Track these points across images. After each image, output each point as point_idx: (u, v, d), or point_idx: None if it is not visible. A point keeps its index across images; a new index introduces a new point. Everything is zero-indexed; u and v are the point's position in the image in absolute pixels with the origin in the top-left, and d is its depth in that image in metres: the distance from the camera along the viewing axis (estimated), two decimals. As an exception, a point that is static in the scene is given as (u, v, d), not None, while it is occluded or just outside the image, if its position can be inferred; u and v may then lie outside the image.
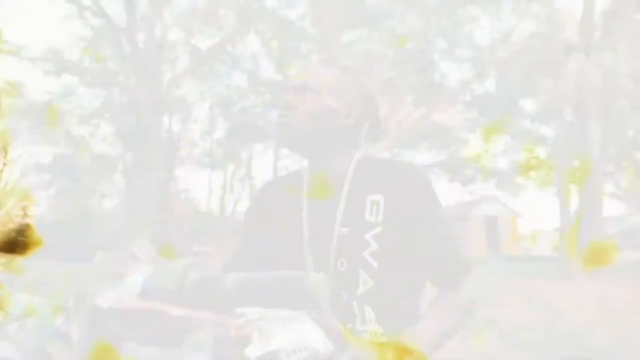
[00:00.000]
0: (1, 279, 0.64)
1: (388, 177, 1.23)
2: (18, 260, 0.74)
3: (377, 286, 1.13)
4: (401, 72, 22.48)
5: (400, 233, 1.16)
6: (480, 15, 21.47)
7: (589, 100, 13.50)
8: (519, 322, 7.30)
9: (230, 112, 32.77)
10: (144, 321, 0.42)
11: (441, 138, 31.71)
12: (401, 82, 20.35)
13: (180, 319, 0.40)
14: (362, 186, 1.23)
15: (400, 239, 1.15)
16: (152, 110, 18.17)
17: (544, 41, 15.29)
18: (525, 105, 28.56)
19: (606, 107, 13.39)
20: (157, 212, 17.87)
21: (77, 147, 29.42)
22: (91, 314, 0.42)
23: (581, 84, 12.07)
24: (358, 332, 1.08)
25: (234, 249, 1.42)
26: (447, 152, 35.82)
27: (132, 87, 18.26)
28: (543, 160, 31.14)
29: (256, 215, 1.38)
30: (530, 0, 17.07)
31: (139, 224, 16.98)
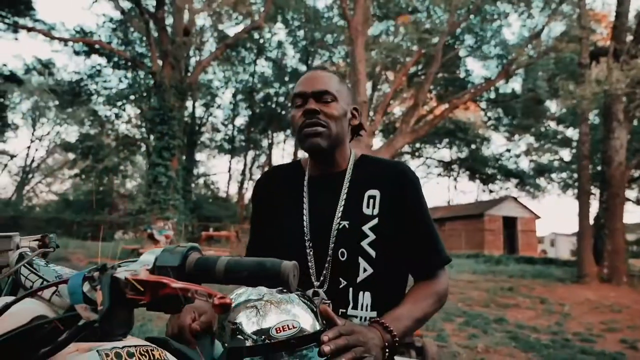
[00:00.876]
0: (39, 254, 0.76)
1: (383, 174, 1.33)
2: (51, 237, 0.86)
3: (376, 273, 1.23)
4: (425, 67, 22.31)
5: (391, 225, 1.26)
6: (510, 12, 21.09)
7: (615, 105, 13.25)
8: (526, 323, 7.28)
9: (253, 100, 33.03)
10: (152, 290, 0.53)
11: (463, 135, 31.43)
12: (425, 77, 20.19)
13: (180, 289, 0.51)
14: (360, 182, 1.34)
15: (392, 231, 1.26)
16: (177, 94, 18.40)
17: (573, 42, 15.01)
18: (550, 107, 28.08)
19: (633, 112, 13.12)
20: (176, 195, 18.15)
21: (102, 127, 29.99)
22: (111, 283, 0.53)
23: (608, 88, 11.85)
24: (349, 317, 1.18)
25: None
26: (468, 150, 35.55)
27: (158, 70, 18.49)
28: (566, 162, 30.66)
29: (257, 202, 1.48)
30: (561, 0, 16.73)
31: (159, 206, 17.30)
